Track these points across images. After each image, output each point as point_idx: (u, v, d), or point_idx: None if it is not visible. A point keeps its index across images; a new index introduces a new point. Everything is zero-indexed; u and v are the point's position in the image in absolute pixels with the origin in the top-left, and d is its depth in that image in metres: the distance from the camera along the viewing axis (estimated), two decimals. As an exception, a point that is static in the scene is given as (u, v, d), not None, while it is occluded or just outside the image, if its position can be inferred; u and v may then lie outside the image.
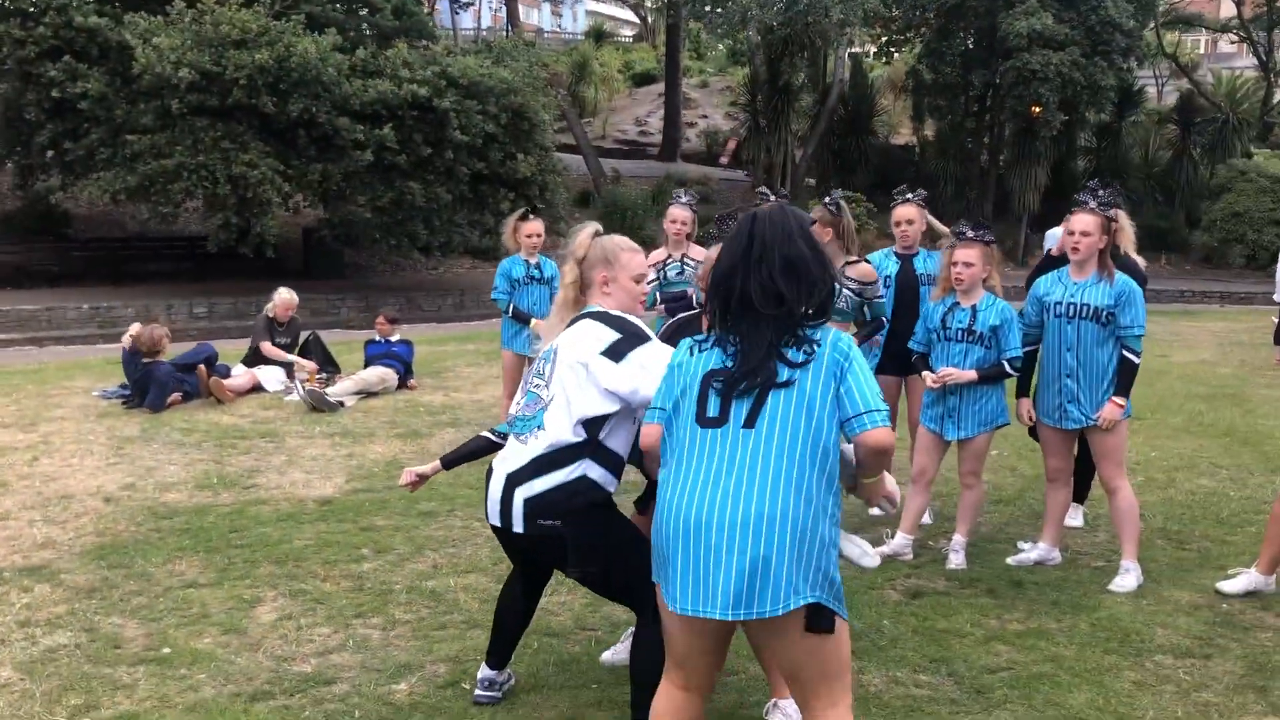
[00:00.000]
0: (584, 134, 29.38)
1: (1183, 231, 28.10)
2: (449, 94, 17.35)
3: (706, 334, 2.81)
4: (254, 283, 17.52)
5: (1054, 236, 6.54)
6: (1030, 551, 5.44)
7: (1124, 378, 5.02)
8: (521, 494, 3.23)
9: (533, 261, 7.61)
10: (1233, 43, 40.21)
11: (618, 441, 3.26)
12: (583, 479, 3.20)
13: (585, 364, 3.22)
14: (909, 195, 6.11)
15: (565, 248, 3.56)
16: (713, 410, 2.65)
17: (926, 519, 5.84)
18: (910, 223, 6.03)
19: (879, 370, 5.78)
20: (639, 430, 3.06)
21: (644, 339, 3.25)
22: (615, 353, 3.19)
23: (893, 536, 5.48)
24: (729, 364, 2.67)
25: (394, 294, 19.02)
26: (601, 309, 3.35)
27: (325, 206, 18.75)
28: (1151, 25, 29.09)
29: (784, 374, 2.61)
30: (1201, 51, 45.06)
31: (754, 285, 2.65)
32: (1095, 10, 23.96)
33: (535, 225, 7.70)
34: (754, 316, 2.65)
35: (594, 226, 3.52)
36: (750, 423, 2.59)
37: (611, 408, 3.21)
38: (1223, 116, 29.13)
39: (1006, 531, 5.93)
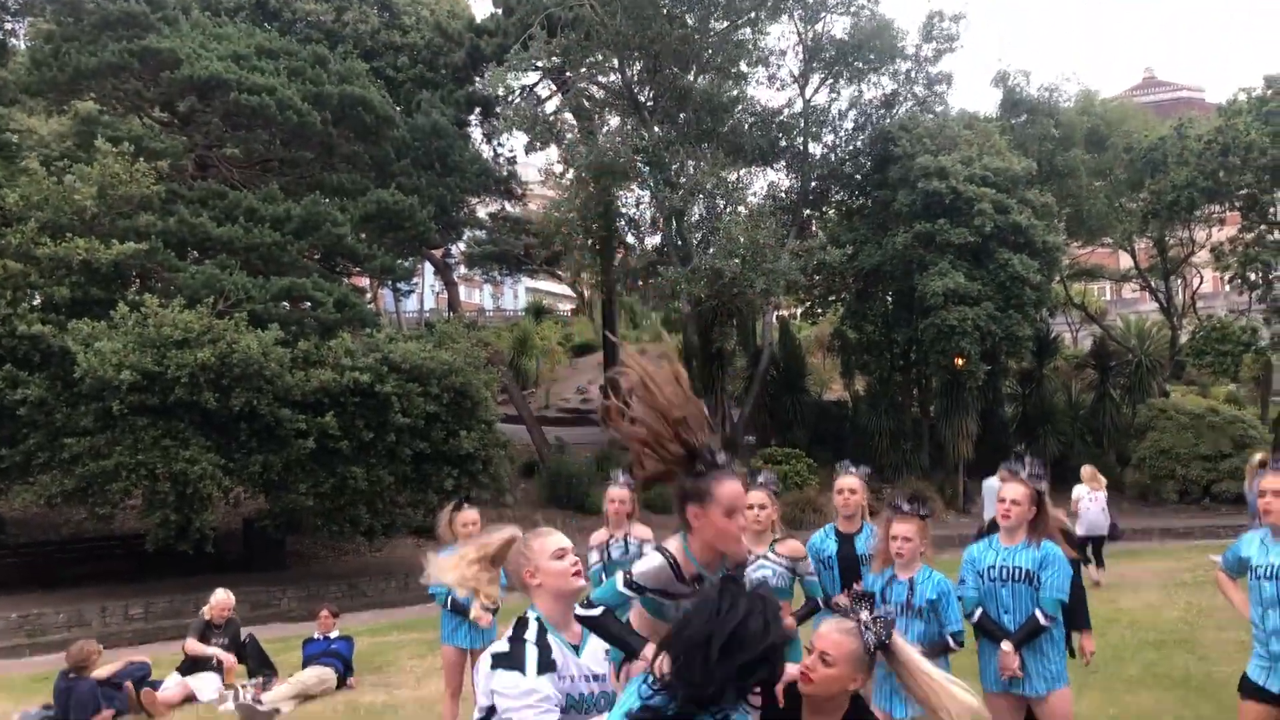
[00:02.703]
0: (526, 405, 29.89)
1: (1114, 471, 28.76)
2: (390, 379, 17.70)
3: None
4: (193, 579, 17.09)
5: (991, 488, 6.73)
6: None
7: (1026, 629, 5.08)
8: None
9: None
10: (1134, 290, 42.82)
11: None
12: None
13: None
14: (852, 468, 6.27)
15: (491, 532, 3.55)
16: None
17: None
18: (852, 492, 6.16)
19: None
20: None
21: (517, 664, 3.12)
22: (492, 659, 3.16)
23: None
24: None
25: (336, 581, 18.63)
26: (534, 612, 3.31)
27: (266, 496, 18.61)
28: (1057, 278, 30.93)
29: None
30: (1108, 298, 47.76)
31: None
32: (1003, 268, 25.48)
33: (470, 514, 7.63)
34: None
35: (510, 531, 3.53)
36: None
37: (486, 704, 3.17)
38: (1136, 359, 30.57)
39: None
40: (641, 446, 3.12)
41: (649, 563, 3.07)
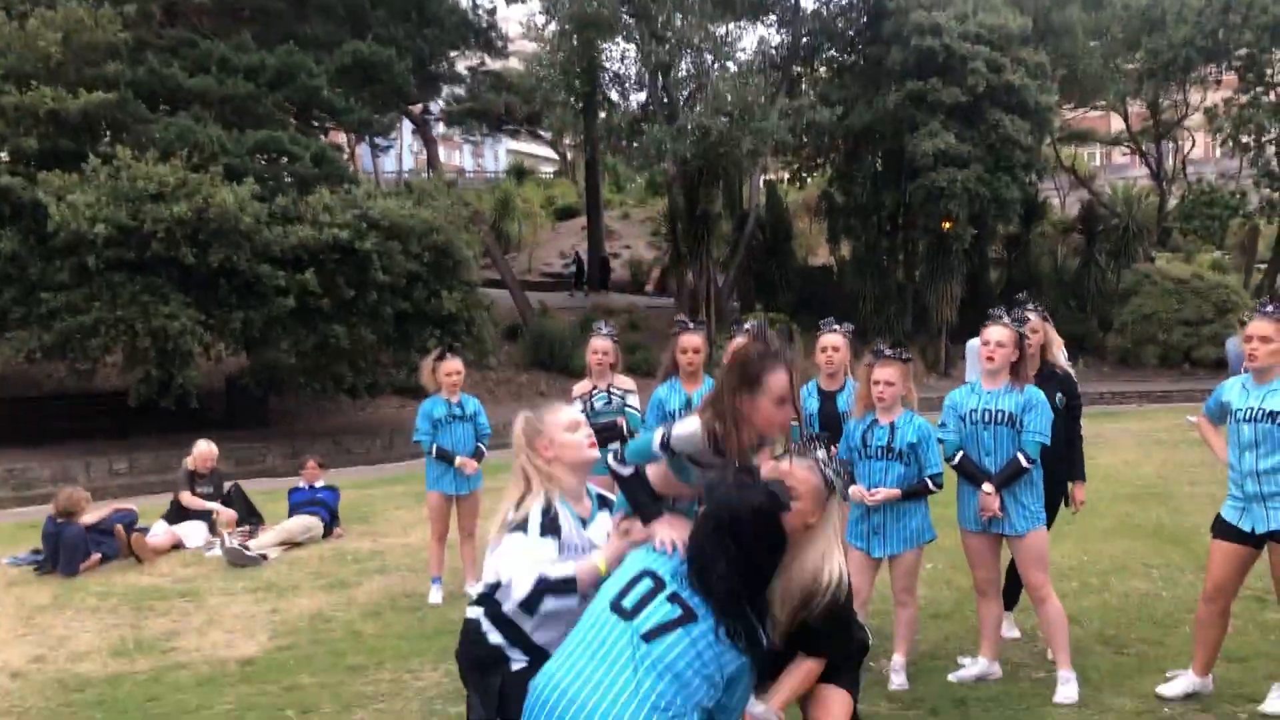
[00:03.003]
0: (509, 269, 29.68)
1: (1097, 335, 28.98)
2: (370, 236, 17.44)
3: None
4: (177, 435, 17.10)
5: (974, 349, 6.70)
6: (971, 667, 5.39)
7: (1007, 471, 5.11)
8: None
9: (454, 400, 7.49)
10: (1124, 155, 42.35)
11: (524, 620, 3.13)
12: (475, 623, 3.20)
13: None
14: (835, 326, 6.18)
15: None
16: (629, 602, 2.67)
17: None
18: (835, 349, 6.07)
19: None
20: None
21: (520, 527, 3.17)
22: (506, 528, 3.18)
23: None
24: (671, 573, 2.70)
25: (320, 439, 18.73)
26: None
27: (248, 353, 18.55)
28: (1048, 141, 30.50)
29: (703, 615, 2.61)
30: (1098, 163, 47.28)
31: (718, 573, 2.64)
32: (994, 129, 25.09)
33: (454, 363, 7.55)
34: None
35: (520, 417, 3.50)
36: (649, 638, 2.58)
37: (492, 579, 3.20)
38: (1123, 224, 30.42)
39: (946, 648, 5.87)
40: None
41: (687, 427, 3.05)
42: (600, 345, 6.78)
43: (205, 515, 9.72)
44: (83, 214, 15.34)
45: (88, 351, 16.02)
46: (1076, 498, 5.87)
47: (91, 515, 8.93)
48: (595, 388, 6.82)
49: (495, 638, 3.15)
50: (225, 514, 9.69)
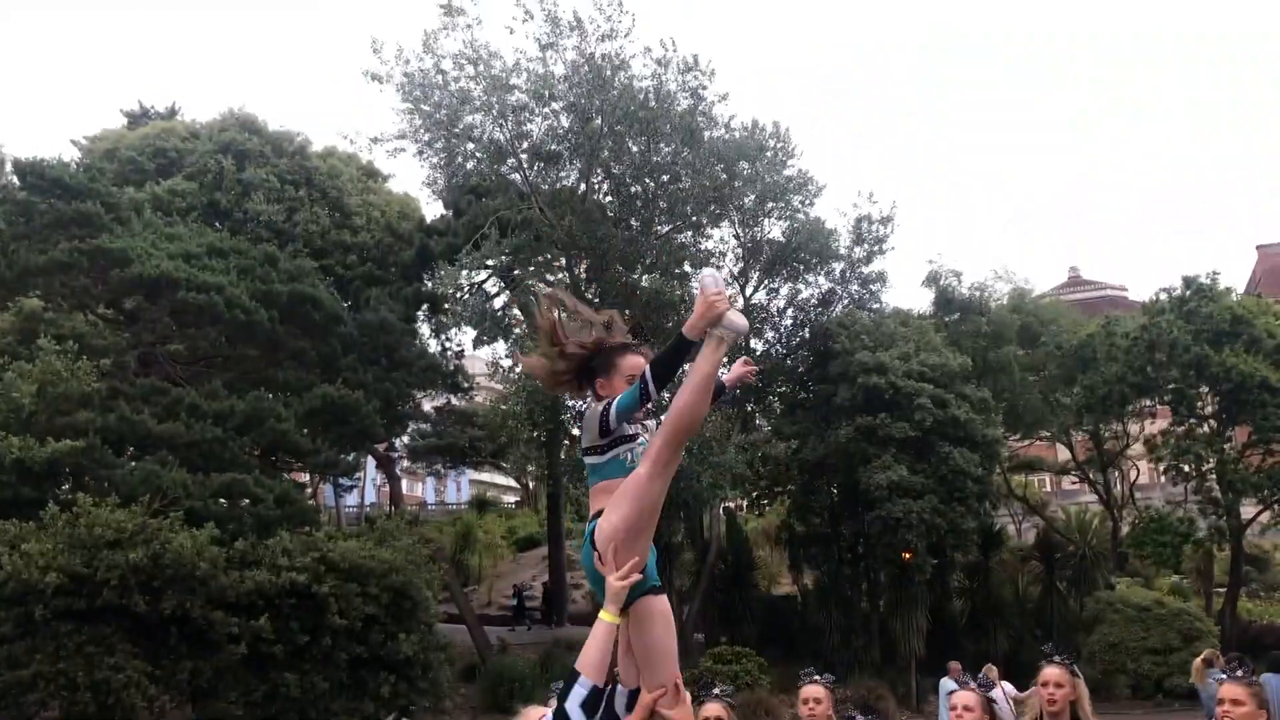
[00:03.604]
0: (468, 605, 29.15)
1: (1066, 665, 28.50)
2: (329, 579, 17.27)
3: None
4: (107, 797, 16.00)
5: (945, 688, 6.61)
6: None
7: None
8: None
9: None
10: (1073, 483, 43.50)
11: None
12: None
13: None
14: (815, 676, 6.11)
15: None
16: None
17: None
18: (817, 701, 5.98)
19: None
20: None
21: None
22: None
23: None
24: None
25: (263, 797, 17.57)
26: None
27: (194, 706, 17.73)
28: (998, 470, 31.38)
29: None
30: (1049, 489, 48.39)
31: None
32: (945, 461, 25.84)
33: None
34: None
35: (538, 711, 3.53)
36: None
37: None
38: (1080, 551, 30.78)
39: None
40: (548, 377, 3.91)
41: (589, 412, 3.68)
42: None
43: None
44: (36, 562, 15.11)
45: (23, 708, 15.27)
46: None
47: None
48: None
49: None
50: None
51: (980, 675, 5.58)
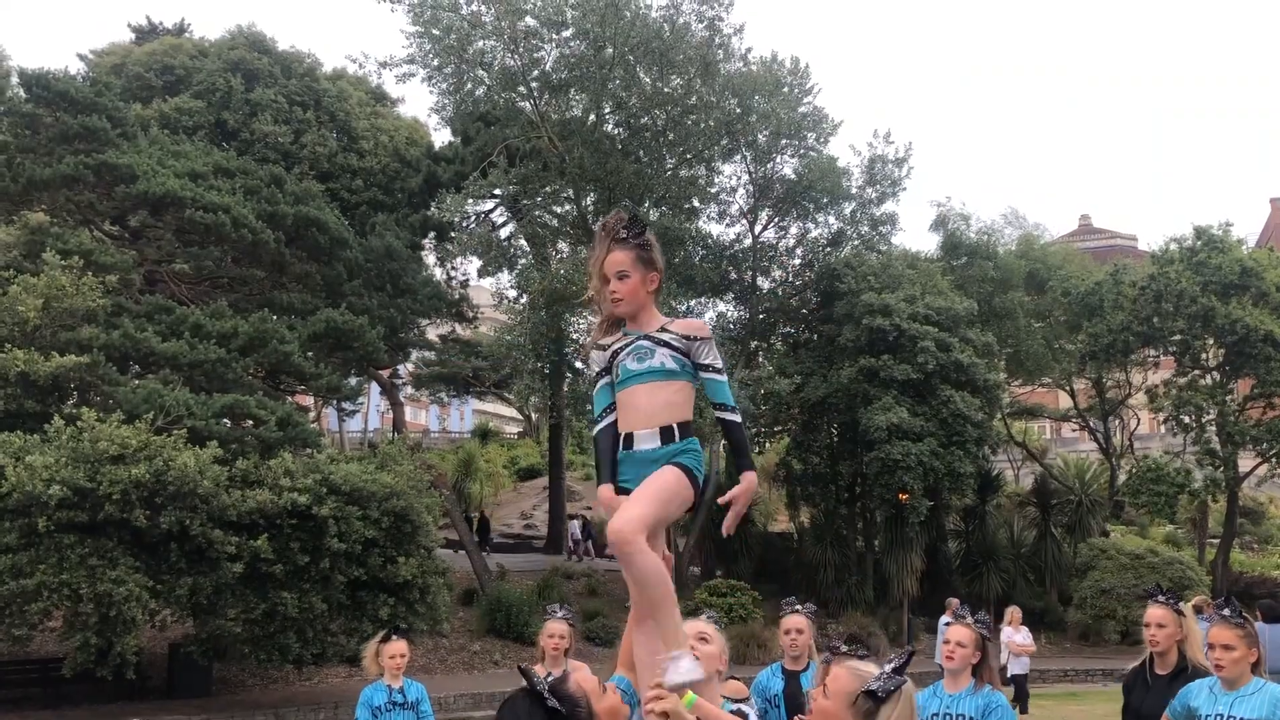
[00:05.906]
0: (468, 531, 29.43)
1: (1057, 610, 28.84)
2: (330, 501, 17.32)
3: None
4: (111, 705, 16.33)
5: (944, 628, 6.67)
6: None
7: None
8: None
9: (396, 686, 7.11)
10: (1074, 430, 43.58)
11: None
12: None
13: None
14: (798, 606, 6.17)
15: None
16: None
17: None
18: (799, 631, 6.04)
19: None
20: None
21: None
22: None
23: None
24: None
25: (263, 710, 17.91)
26: None
27: (194, 620, 17.96)
28: (999, 416, 31.45)
29: None
30: (1049, 436, 48.53)
31: None
32: (946, 405, 25.91)
33: (398, 646, 7.16)
34: None
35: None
36: None
37: None
38: (1076, 498, 30.94)
39: None
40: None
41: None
42: (557, 629, 6.48)
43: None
44: (39, 475, 15.18)
45: (26, 617, 15.45)
46: None
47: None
48: (549, 674, 6.64)
49: None
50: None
51: (958, 609, 5.61)
